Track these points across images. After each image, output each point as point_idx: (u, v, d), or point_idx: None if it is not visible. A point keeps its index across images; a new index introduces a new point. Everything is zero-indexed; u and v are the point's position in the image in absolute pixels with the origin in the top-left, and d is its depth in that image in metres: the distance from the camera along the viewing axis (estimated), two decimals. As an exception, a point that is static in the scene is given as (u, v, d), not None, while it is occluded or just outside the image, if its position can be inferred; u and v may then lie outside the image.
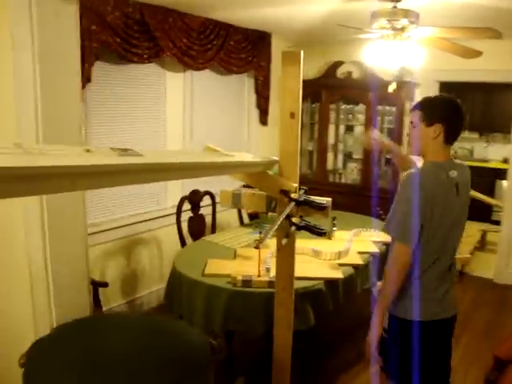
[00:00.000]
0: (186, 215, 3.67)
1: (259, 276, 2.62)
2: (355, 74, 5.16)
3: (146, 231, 4.00)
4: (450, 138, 2.02)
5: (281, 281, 2.39)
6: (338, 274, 2.73)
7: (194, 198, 3.61)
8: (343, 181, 5.53)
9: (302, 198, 2.13)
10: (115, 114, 3.64)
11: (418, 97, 5.09)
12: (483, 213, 6.94)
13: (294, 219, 2.17)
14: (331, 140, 5.44)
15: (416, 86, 5.05)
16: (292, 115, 2.22)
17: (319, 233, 2.19)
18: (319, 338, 3.59)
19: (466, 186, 2.10)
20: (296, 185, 2.23)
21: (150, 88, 3.91)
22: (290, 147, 2.25)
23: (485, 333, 3.84)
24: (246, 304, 2.56)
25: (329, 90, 5.21)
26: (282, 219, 1.99)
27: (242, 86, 4.82)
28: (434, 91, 5.10)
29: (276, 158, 2.31)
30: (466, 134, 7.53)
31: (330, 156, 5.49)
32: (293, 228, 2.17)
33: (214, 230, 3.81)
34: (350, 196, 5.07)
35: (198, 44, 3.97)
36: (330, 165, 5.51)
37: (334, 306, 2.77)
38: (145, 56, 3.59)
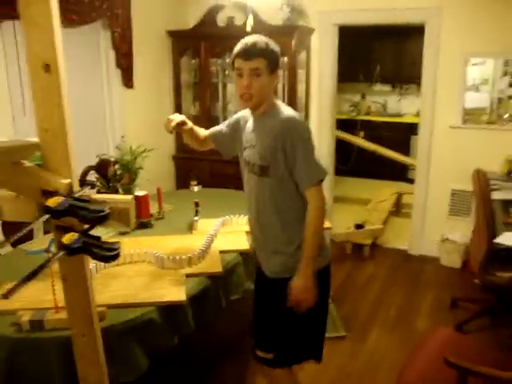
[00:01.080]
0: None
1: (57, 310, 1.77)
2: (238, 20, 4.27)
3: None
4: None
5: (76, 324, 1.56)
6: (178, 295, 1.92)
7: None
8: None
9: (62, 206, 1.30)
10: None
11: (315, 44, 4.33)
12: (397, 171, 6.44)
13: (66, 237, 1.34)
14: (218, 102, 4.59)
15: (310, 32, 4.26)
16: (47, 68, 1.35)
17: (104, 257, 1.37)
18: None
19: None
20: (67, 181, 1.38)
21: None
22: (53, 120, 1.39)
23: (396, 322, 3.22)
24: (38, 357, 1.72)
25: (209, 42, 4.31)
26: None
27: (96, 40, 3.82)
28: (332, 37, 4.34)
29: (34, 140, 1.44)
30: (377, 86, 6.91)
31: (218, 121, 4.65)
32: (61, 253, 1.34)
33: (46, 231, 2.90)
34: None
35: (8, -18, 2.95)
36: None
37: (181, 336, 1.98)
38: None
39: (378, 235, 4.46)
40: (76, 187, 1.43)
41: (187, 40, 4.45)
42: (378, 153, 5.71)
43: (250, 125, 1.97)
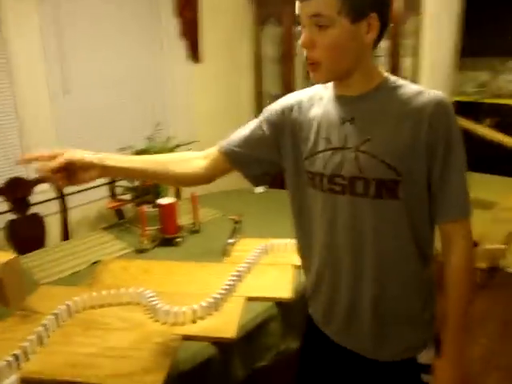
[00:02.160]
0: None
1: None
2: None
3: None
4: (382, 35, 1.08)
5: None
6: (154, 376, 1.27)
7: (17, 190, 2.21)
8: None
9: None
10: None
11: (430, 7, 3.39)
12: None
13: None
14: (309, 80, 3.84)
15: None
16: None
17: None
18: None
19: None
20: None
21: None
22: None
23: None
24: None
25: (293, 6, 3.54)
26: None
27: (154, 6, 3.23)
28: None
29: None
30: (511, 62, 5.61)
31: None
32: None
33: (66, 236, 2.42)
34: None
35: None
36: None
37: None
38: None
39: (498, 257, 3.45)
40: None
41: (270, 5, 3.72)
42: (507, 145, 4.57)
43: (331, 113, 1.15)
